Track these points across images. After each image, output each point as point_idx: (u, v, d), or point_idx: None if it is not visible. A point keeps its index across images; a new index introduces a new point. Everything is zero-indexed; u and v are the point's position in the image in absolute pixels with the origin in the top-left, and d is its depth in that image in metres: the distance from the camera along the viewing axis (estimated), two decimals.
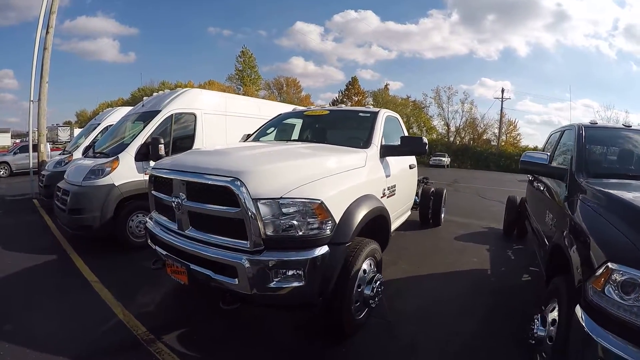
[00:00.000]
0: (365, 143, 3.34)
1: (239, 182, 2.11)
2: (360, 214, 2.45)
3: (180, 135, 4.93)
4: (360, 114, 4.00)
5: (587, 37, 64.33)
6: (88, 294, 3.19)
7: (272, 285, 2.09)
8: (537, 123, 58.48)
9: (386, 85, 45.78)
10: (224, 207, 2.20)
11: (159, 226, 2.73)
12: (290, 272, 2.10)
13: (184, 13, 70.64)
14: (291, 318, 2.81)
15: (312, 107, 5.11)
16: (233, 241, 2.20)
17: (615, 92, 58.74)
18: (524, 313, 2.89)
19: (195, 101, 5.20)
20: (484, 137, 41.47)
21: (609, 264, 1.53)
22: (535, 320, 2.14)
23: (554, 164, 3.12)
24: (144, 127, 4.64)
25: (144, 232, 4.35)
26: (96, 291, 3.23)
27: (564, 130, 3.66)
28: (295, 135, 4.25)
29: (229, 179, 2.16)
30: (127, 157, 4.42)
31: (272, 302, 2.29)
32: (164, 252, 2.57)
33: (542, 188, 3.43)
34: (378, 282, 2.62)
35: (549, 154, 2.90)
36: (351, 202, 2.45)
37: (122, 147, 4.62)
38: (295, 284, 2.10)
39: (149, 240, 2.86)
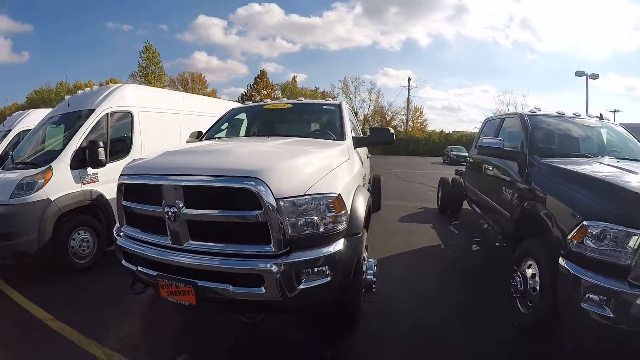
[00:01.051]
0: (340, 136, 3.41)
1: (260, 182, 1.99)
2: (364, 204, 2.58)
3: (117, 137, 4.32)
4: (324, 107, 4.13)
5: (485, 28, 74.03)
6: (47, 337, 2.60)
7: (301, 287, 2.04)
8: (438, 109, 65.27)
9: (294, 78, 46.70)
10: (240, 212, 2.04)
11: (138, 242, 2.40)
12: (316, 270, 2.08)
13: (81, 7, 62.81)
14: (289, 319, 2.82)
15: (268, 100, 4.99)
16: (251, 247, 2.07)
17: (511, 78, 70.26)
18: (490, 275, 3.65)
19: (130, 98, 4.64)
20: (392, 124, 44.49)
21: (584, 222, 2.10)
22: (516, 277, 2.70)
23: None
24: (76, 130, 3.96)
25: (87, 251, 3.89)
26: (56, 331, 2.65)
27: (504, 118, 4.50)
28: (258, 129, 4.14)
29: (247, 179, 2.01)
30: (62, 166, 3.74)
31: (300, 304, 2.16)
32: (154, 273, 2.24)
33: (491, 169, 4.14)
34: (375, 267, 2.81)
35: (502, 139, 3.51)
36: (353, 193, 2.55)
37: (54, 154, 3.87)
38: (322, 281, 2.08)
39: (123, 261, 2.50)
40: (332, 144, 3.17)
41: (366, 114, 45.14)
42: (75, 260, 3.79)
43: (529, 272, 2.60)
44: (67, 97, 4.81)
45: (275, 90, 42.96)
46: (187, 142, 4.19)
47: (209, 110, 6.55)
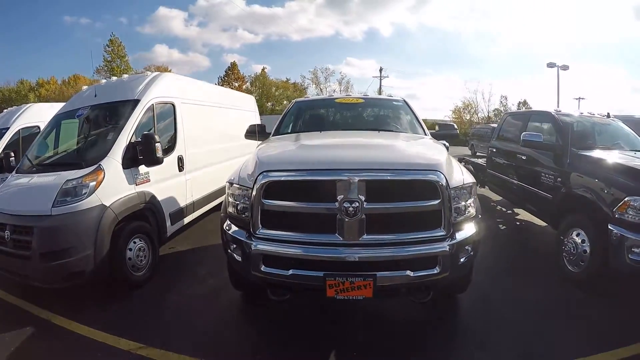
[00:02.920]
0: (416, 130, 3.93)
1: (440, 174, 2.37)
2: None
3: (162, 131, 4.13)
4: (394, 102, 4.59)
5: (448, 18, 77.43)
6: None
7: (459, 263, 2.47)
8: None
9: (263, 69, 46.79)
10: (422, 202, 2.36)
11: (288, 245, 2.44)
12: (466, 248, 2.52)
13: (34, 1, 57.42)
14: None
15: (334, 94, 5.28)
16: (425, 233, 2.39)
17: (474, 66, 73.95)
18: (525, 247, 4.79)
19: (173, 88, 4.50)
20: None
21: (627, 198, 3.21)
22: (568, 244, 3.77)
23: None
24: (124, 123, 3.66)
25: (144, 262, 3.69)
26: None
27: (531, 114, 5.71)
28: (334, 122, 4.44)
29: (430, 172, 2.38)
30: (113, 165, 3.42)
31: (457, 277, 2.59)
32: (319, 274, 2.34)
33: (525, 159, 5.07)
34: None
35: (541, 134, 4.62)
36: None
37: (99, 151, 3.52)
38: (468, 256, 2.55)
39: (263, 267, 2.44)
40: (430, 140, 3.62)
41: None
42: (133, 274, 3.56)
43: (577, 239, 3.70)
44: (84, 87, 4.42)
45: (246, 82, 42.99)
46: (246, 136, 4.35)
47: (235, 103, 6.78)
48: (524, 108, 42.58)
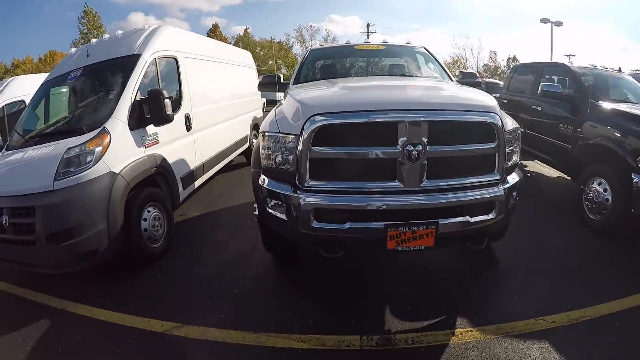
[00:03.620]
0: (442, 76, 3.85)
1: (497, 117, 2.35)
2: None
3: (167, 88, 3.80)
4: (415, 49, 4.36)
5: None
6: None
7: (510, 207, 2.51)
8: None
9: (246, 29, 45.60)
10: (482, 145, 2.33)
11: (343, 195, 2.32)
12: (514, 194, 2.55)
13: None
14: None
15: (350, 41, 4.96)
16: (481, 178, 2.37)
17: (461, 22, 73.75)
18: (546, 197, 4.92)
19: (175, 41, 4.20)
20: None
21: None
22: (590, 193, 3.89)
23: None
24: (126, 80, 3.33)
25: (160, 231, 3.51)
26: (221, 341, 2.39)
27: (544, 67, 5.59)
28: (357, 69, 4.32)
29: (490, 114, 2.34)
30: (119, 126, 3.14)
31: (507, 222, 2.69)
32: (379, 225, 2.25)
33: (540, 110, 5.11)
34: None
35: (560, 84, 4.60)
36: None
37: (101, 112, 3.22)
38: (515, 201, 2.61)
39: (314, 223, 2.29)
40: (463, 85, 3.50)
41: None
42: (150, 246, 3.36)
43: (599, 188, 3.83)
44: (73, 50, 4.08)
45: (230, 43, 41.98)
46: (260, 88, 4.20)
47: (234, 58, 6.53)
48: (513, 64, 42.63)
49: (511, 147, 2.53)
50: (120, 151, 3.13)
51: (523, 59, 38.58)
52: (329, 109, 2.32)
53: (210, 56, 5.25)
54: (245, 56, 7.61)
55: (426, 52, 4.31)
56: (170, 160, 3.76)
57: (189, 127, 4.21)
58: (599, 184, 3.85)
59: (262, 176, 2.59)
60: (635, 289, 2.84)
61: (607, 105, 4.14)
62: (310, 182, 2.32)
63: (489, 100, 2.51)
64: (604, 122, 3.97)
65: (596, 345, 2.27)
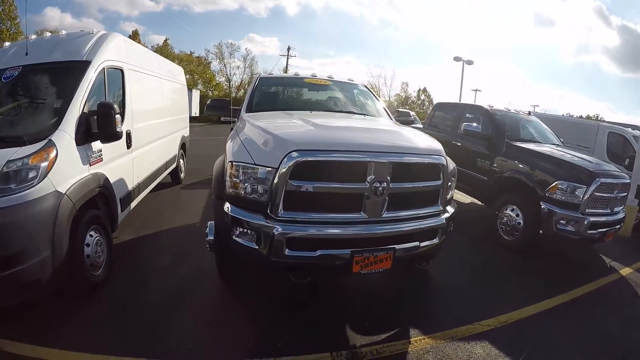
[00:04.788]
0: (379, 114, 4.43)
1: (444, 159, 2.95)
2: None
3: (112, 100, 3.66)
4: (359, 86, 4.96)
5: (353, 2, 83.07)
6: None
7: (448, 230, 3.09)
8: None
9: (165, 40, 43.89)
10: (431, 182, 2.88)
11: (314, 226, 2.61)
12: (450, 222, 3.12)
13: None
14: None
15: (299, 73, 5.23)
16: (428, 209, 2.94)
17: (376, 53, 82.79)
18: (465, 220, 5.52)
19: (122, 51, 4.04)
20: None
21: (556, 181, 4.33)
22: (504, 218, 4.83)
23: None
24: (73, 89, 3.12)
25: (102, 257, 3.31)
26: None
27: (465, 107, 6.68)
28: (305, 103, 4.62)
29: (439, 157, 2.92)
30: (66, 140, 2.92)
31: (445, 242, 3.15)
32: (346, 252, 2.60)
33: (460, 145, 5.98)
34: None
35: (480, 126, 5.58)
36: None
37: (49, 122, 2.95)
38: (450, 229, 3.16)
39: (287, 251, 2.55)
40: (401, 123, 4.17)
41: (240, 81, 46.45)
42: (92, 274, 3.13)
43: (512, 213, 4.77)
44: (6, 43, 3.69)
45: None
46: (206, 111, 4.51)
47: (170, 74, 6.59)
48: (423, 95, 48.73)
49: (450, 183, 3.12)
50: (66, 168, 2.93)
51: (433, 91, 44.25)
52: (309, 146, 2.60)
53: (151, 70, 5.20)
54: (179, 72, 7.62)
55: (367, 90, 4.98)
56: (111, 180, 3.61)
57: (129, 145, 4.11)
58: (512, 210, 4.80)
59: (227, 204, 2.72)
60: (549, 294, 3.71)
61: (520, 145, 5.23)
62: (283, 213, 2.56)
63: (437, 145, 3.10)
64: (517, 158, 5.02)
65: (525, 340, 2.92)
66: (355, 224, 2.68)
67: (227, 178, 2.74)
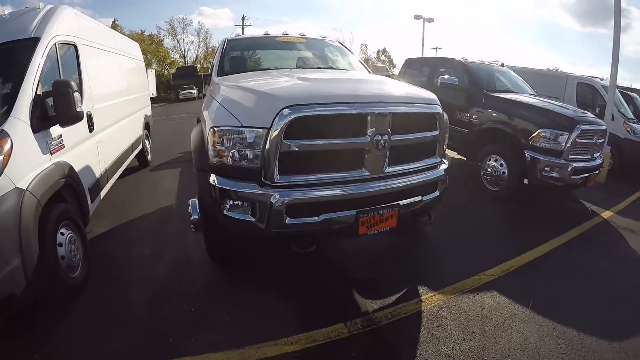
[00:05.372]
0: (368, 72, 4.24)
1: (440, 108, 2.88)
2: None
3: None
4: (333, 44, 4.78)
5: None
6: None
7: (446, 185, 3.03)
8: None
9: (114, 21, 41.60)
10: (428, 132, 2.80)
11: (314, 188, 2.42)
12: (447, 173, 3.05)
13: None
14: None
15: (269, 31, 4.85)
16: (427, 161, 2.87)
17: (331, 16, 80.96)
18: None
19: (74, 26, 3.65)
20: None
21: (540, 129, 4.40)
22: (487, 169, 4.93)
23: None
24: (23, 70, 2.71)
25: (78, 257, 2.99)
26: None
27: (437, 62, 6.72)
28: (280, 61, 4.39)
29: (436, 106, 2.84)
30: (20, 127, 2.54)
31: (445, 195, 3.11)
32: (351, 212, 2.46)
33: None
34: None
35: (457, 78, 5.49)
36: None
37: None
38: (447, 181, 3.10)
39: (288, 219, 2.37)
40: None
41: (197, 55, 45.24)
42: (70, 275, 2.80)
43: (496, 164, 4.86)
44: None
45: None
46: (173, 80, 4.47)
47: (127, 49, 6.18)
48: (383, 56, 48.64)
49: (445, 134, 3.06)
50: (24, 160, 2.56)
51: (392, 51, 44.52)
52: (302, 100, 2.36)
53: (107, 45, 4.75)
54: (135, 47, 7.09)
55: (342, 46, 4.79)
56: (77, 169, 3.26)
57: (91, 128, 3.73)
58: (495, 160, 4.88)
59: (212, 176, 2.48)
60: (542, 239, 3.85)
61: (499, 95, 5.26)
62: (279, 178, 2.36)
63: (432, 94, 3.00)
64: (497, 108, 5.06)
65: (528, 285, 3.03)
66: (358, 182, 2.53)
67: (210, 147, 2.49)
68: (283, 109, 2.28)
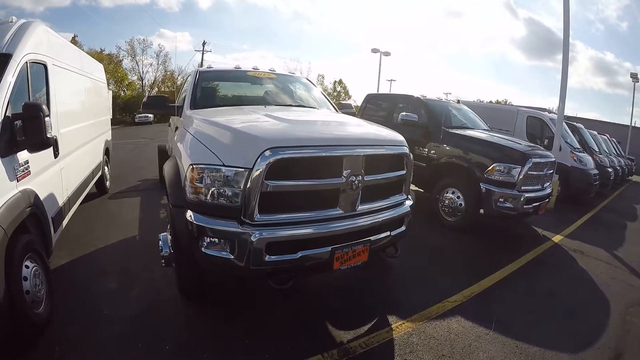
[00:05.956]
0: (335, 109, 4.53)
1: (407, 149, 3.16)
2: None
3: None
4: (302, 80, 5.05)
5: None
6: None
7: (410, 219, 3.28)
8: None
9: (74, 37, 40.45)
10: (397, 172, 3.05)
11: (291, 227, 2.54)
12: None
13: None
14: None
15: (240, 66, 4.93)
16: (395, 199, 3.11)
17: (290, 46, 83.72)
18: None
19: (45, 44, 3.50)
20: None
21: (494, 164, 4.86)
22: (445, 201, 5.30)
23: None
24: None
25: (43, 292, 2.80)
26: None
27: (398, 97, 7.15)
28: (251, 96, 4.54)
29: (404, 147, 3.12)
30: None
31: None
32: (327, 249, 2.59)
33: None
34: None
35: (417, 115, 5.89)
36: None
37: None
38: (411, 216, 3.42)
39: (267, 257, 2.45)
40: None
41: (153, 79, 45.41)
42: (35, 312, 2.64)
43: (453, 196, 5.24)
44: None
45: None
46: (143, 109, 4.33)
47: (91, 70, 6.06)
48: (339, 87, 50.89)
49: (411, 173, 3.33)
50: None
51: (348, 82, 46.97)
52: (283, 142, 2.48)
53: (74, 66, 4.65)
54: (100, 69, 6.93)
55: (310, 82, 5.10)
56: (41, 197, 3.13)
57: (56, 153, 3.62)
58: (452, 192, 5.26)
59: (189, 212, 2.52)
60: (498, 265, 4.21)
61: (454, 131, 5.72)
62: (259, 216, 2.44)
63: (400, 136, 3.27)
64: (454, 144, 5.50)
65: (490, 308, 3.33)
66: (333, 220, 2.68)
67: (188, 183, 2.53)
68: (265, 150, 2.38)
